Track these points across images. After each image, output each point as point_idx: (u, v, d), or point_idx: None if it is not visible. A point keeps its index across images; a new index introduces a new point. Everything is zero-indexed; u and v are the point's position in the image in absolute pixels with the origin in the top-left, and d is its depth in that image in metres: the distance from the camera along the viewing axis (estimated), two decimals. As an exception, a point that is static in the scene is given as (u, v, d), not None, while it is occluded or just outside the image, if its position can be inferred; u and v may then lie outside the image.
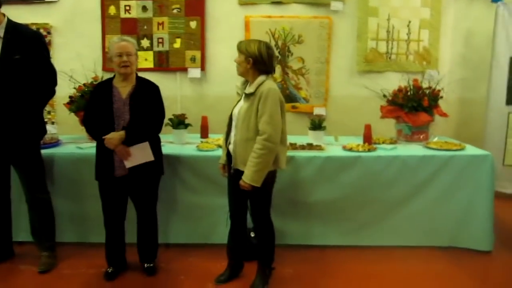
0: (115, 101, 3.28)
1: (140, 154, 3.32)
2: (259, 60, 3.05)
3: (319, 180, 3.80)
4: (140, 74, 4.67)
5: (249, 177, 2.99)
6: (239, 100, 3.21)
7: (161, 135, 4.28)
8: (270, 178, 3.13)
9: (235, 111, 3.17)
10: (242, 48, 3.09)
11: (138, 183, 3.41)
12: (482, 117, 4.97)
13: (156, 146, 3.45)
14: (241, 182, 3.03)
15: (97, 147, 3.39)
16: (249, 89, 3.07)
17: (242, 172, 3.04)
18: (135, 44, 3.41)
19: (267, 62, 3.06)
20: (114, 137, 3.25)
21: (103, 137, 3.24)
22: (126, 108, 3.28)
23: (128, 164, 3.30)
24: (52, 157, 3.84)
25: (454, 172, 3.84)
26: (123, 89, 3.32)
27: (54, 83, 3.52)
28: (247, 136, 3.04)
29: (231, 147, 3.18)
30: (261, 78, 3.06)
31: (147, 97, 3.35)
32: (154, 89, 3.43)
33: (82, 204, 3.85)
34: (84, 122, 3.42)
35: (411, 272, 3.59)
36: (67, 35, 4.84)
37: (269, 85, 3.03)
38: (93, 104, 3.35)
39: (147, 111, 3.32)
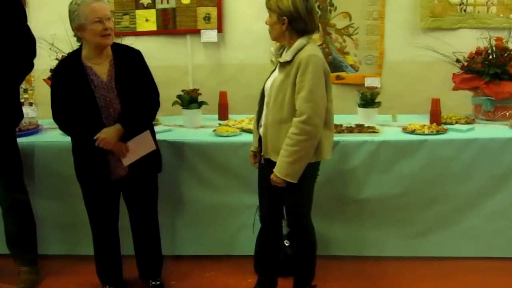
0: (95, 86, 3.22)
1: (140, 145, 3.34)
2: (296, 18, 3.00)
3: (373, 171, 3.81)
4: (142, 38, 4.83)
5: (282, 171, 2.98)
6: (273, 70, 3.20)
7: (168, 117, 4.40)
8: (310, 172, 3.12)
9: (268, 84, 3.16)
10: (272, 4, 3.05)
11: (137, 182, 3.43)
12: None
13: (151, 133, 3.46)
14: (272, 177, 3.03)
15: (77, 146, 3.38)
16: (285, 57, 3.04)
17: (274, 163, 3.04)
18: (107, 2, 3.31)
19: (306, 18, 3.01)
20: (110, 135, 3.22)
21: (95, 137, 3.21)
22: (113, 94, 3.25)
23: (127, 161, 3.31)
24: (32, 147, 3.88)
25: (550, 160, 3.81)
26: (100, 68, 3.26)
27: (33, 53, 3.56)
28: (281, 116, 3.03)
29: (261, 130, 3.18)
30: (300, 41, 3.02)
31: (133, 71, 3.30)
32: (137, 58, 3.37)
33: (70, 206, 3.87)
34: (56, 119, 3.32)
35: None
36: (46, -10, 4.89)
37: (310, 50, 2.99)
38: (63, 94, 3.25)
39: (139, 91, 3.31)
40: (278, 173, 2.99)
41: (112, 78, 3.25)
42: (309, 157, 3.01)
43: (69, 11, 3.19)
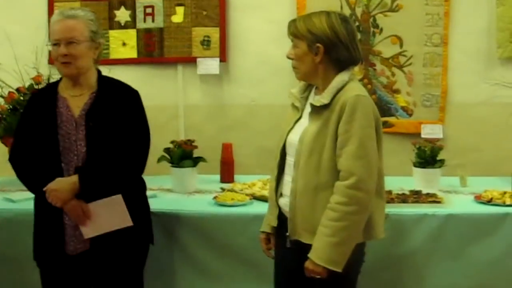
0: (61, 122, 3.30)
1: (109, 215, 3.31)
2: (335, 44, 3.01)
3: (436, 257, 3.79)
4: (117, 68, 4.76)
5: (324, 256, 2.93)
6: (298, 119, 3.20)
7: (152, 177, 4.20)
8: (354, 257, 3.06)
9: (293, 137, 3.15)
10: (300, 29, 3.06)
11: (108, 264, 3.40)
12: None
13: (139, 198, 3.49)
14: (308, 265, 2.98)
15: (36, 206, 3.41)
16: (321, 99, 3.03)
17: (306, 247, 3.00)
18: (90, 21, 3.36)
19: (348, 44, 3.03)
20: (61, 187, 3.22)
21: (44, 188, 3.22)
22: (81, 134, 3.29)
23: (89, 232, 3.29)
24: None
25: None
26: (76, 101, 3.35)
27: None
28: (317, 181, 3.01)
29: (284, 201, 3.17)
30: (340, 77, 3.04)
31: (118, 112, 3.34)
32: (130, 97, 3.46)
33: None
34: (11, 160, 3.42)
35: None
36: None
37: (356, 89, 3.01)
38: (27, 130, 3.36)
39: (117, 137, 3.32)
40: (318, 259, 2.93)
41: (84, 113, 3.30)
42: (358, 236, 3.00)
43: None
